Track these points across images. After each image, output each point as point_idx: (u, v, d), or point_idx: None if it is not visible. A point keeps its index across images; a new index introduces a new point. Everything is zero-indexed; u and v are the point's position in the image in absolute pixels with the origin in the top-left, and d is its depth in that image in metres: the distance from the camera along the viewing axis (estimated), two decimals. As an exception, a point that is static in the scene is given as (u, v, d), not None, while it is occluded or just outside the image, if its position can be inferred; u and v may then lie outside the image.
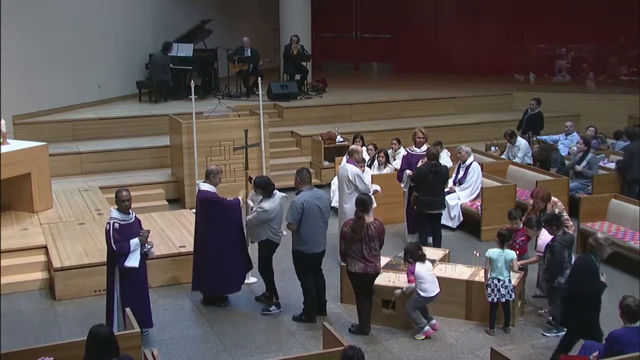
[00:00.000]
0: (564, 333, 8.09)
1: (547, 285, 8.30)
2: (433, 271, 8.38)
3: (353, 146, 11.34)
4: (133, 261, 7.85)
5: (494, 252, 8.29)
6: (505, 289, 8.16)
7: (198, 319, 8.65)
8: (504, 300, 8.19)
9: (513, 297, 8.22)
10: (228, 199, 8.93)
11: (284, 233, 8.88)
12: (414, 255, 8.24)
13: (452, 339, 8.19)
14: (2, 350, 6.66)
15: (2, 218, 10.71)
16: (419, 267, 8.17)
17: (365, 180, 10.13)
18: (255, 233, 8.92)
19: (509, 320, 8.31)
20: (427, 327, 8.23)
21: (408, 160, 10.80)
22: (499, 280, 8.17)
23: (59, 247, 9.86)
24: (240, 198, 9.03)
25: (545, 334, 8.23)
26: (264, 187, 8.74)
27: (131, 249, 7.80)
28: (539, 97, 15.16)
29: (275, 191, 8.84)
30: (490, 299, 8.22)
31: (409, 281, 8.20)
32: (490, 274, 8.22)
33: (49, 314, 8.90)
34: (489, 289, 8.21)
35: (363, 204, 8.13)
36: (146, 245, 7.99)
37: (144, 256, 8.05)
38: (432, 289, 8.17)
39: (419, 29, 22.52)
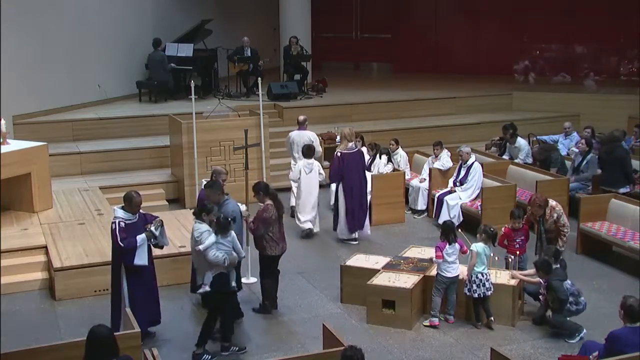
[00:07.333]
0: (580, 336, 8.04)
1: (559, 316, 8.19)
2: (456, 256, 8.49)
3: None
4: (142, 259, 7.78)
5: (479, 246, 8.39)
6: (488, 282, 8.30)
7: (198, 319, 8.61)
8: (489, 294, 8.30)
9: (492, 289, 8.33)
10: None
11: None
12: (445, 233, 8.48)
13: (452, 339, 8.19)
14: (2, 350, 6.66)
15: (2, 218, 10.71)
16: (446, 247, 8.38)
17: None
18: None
19: (490, 312, 8.37)
20: (436, 318, 8.40)
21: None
22: (482, 274, 8.28)
23: (59, 247, 9.86)
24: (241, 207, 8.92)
25: (568, 340, 8.07)
26: None
27: (138, 244, 7.72)
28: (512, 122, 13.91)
29: None
30: (477, 295, 8.30)
31: (436, 256, 8.44)
32: (476, 269, 8.29)
33: (49, 314, 8.90)
34: (474, 285, 8.29)
35: (267, 186, 8.73)
36: (153, 240, 7.89)
37: (151, 251, 7.99)
38: (450, 270, 8.36)
39: (419, 29, 22.49)
